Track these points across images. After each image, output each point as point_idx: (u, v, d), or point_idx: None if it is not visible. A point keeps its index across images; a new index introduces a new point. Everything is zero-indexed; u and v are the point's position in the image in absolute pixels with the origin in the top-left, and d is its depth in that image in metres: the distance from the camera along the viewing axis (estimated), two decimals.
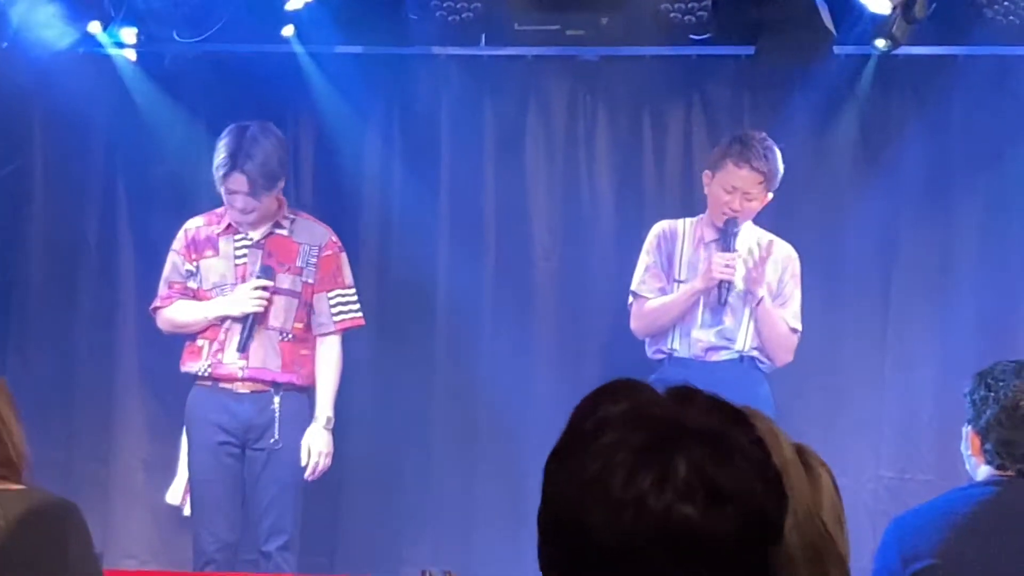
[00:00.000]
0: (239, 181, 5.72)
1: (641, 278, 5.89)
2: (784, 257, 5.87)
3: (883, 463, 6.48)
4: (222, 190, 5.78)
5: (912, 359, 6.49)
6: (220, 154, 5.74)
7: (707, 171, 5.82)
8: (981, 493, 3.59)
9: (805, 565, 2.18)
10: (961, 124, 6.43)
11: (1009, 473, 3.59)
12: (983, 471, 3.64)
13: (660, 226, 5.95)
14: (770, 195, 5.75)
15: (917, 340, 6.48)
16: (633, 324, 5.91)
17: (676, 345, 5.81)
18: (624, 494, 1.44)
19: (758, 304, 5.73)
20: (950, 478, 5.39)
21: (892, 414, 6.50)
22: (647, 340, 5.90)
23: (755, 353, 5.79)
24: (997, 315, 6.39)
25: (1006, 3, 5.84)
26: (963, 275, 6.45)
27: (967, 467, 3.72)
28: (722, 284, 5.70)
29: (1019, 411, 3.58)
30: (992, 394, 3.61)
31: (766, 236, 5.89)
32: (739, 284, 5.72)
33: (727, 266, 5.67)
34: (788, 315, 5.81)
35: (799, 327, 5.83)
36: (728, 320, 5.76)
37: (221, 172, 5.73)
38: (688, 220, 5.94)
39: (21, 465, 3.46)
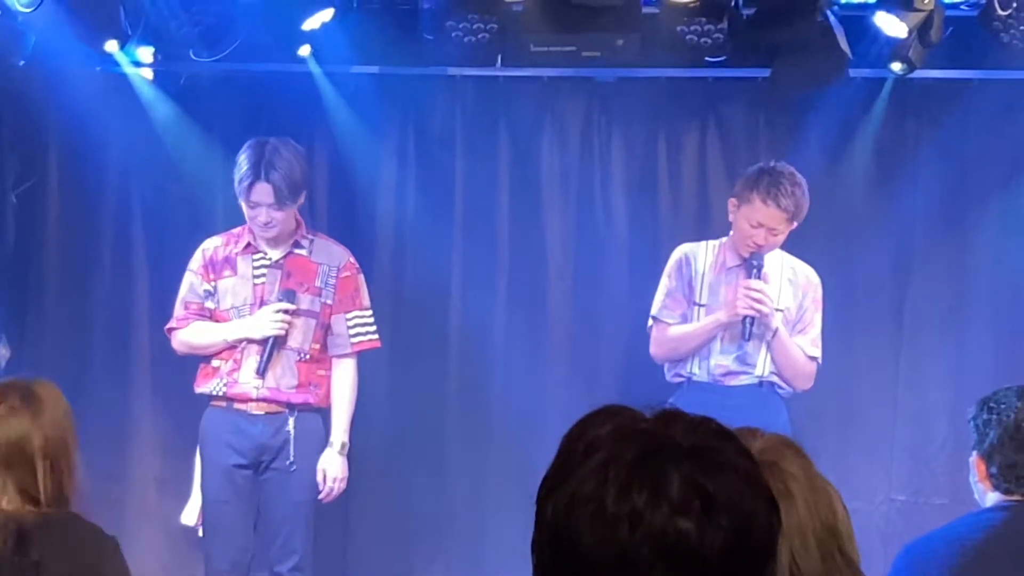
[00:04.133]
0: (263, 191, 5.61)
1: (662, 303, 5.82)
2: (805, 283, 5.80)
3: (895, 486, 6.47)
4: (244, 204, 5.69)
5: (926, 382, 6.48)
6: (242, 167, 5.65)
7: (733, 199, 5.71)
8: (990, 519, 3.57)
9: None
10: (976, 148, 6.43)
11: (1016, 498, 3.57)
12: (991, 498, 3.62)
13: (681, 249, 5.87)
14: (795, 224, 5.67)
15: (931, 363, 6.47)
16: (653, 349, 5.85)
17: (695, 369, 5.75)
18: (618, 509, 1.44)
19: (773, 336, 5.66)
20: (963, 502, 5.35)
21: (905, 437, 6.49)
22: (665, 364, 5.87)
23: (774, 378, 5.73)
24: (1011, 338, 6.38)
25: (1022, 28, 5.83)
26: (977, 298, 6.44)
27: (976, 496, 3.70)
28: (746, 319, 5.61)
29: (1021, 432, 3.56)
30: (994, 416, 3.60)
31: (789, 260, 5.83)
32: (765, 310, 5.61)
33: (755, 300, 5.57)
34: (807, 342, 5.74)
35: (818, 355, 5.75)
36: (747, 345, 5.69)
37: (245, 183, 5.63)
38: (711, 243, 5.86)
39: (71, 499, 3.57)
